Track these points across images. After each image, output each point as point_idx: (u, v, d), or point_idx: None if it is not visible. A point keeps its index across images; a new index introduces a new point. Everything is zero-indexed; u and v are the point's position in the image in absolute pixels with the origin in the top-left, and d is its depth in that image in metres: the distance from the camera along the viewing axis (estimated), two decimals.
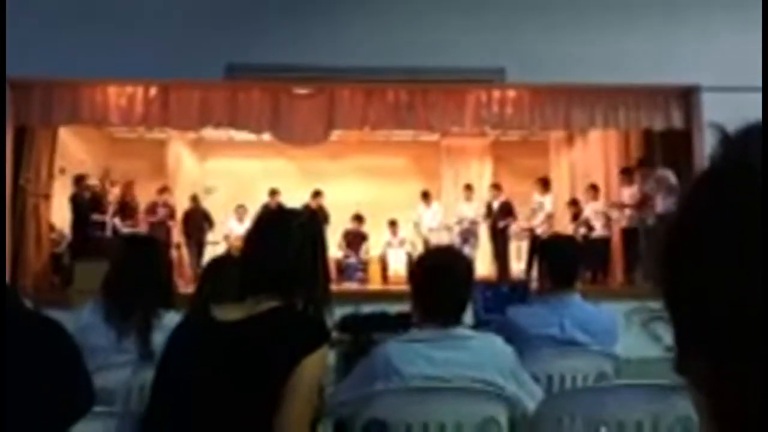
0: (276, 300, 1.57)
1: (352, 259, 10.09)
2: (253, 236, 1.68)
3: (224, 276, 2.13)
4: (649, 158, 8.59)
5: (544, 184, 10.04)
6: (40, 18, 7.24)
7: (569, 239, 3.78)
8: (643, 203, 8.47)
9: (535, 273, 8.36)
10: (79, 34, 7.25)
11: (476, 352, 1.88)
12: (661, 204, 8.10)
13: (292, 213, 1.73)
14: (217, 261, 2.52)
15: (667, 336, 0.55)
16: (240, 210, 10.06)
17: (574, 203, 9.86)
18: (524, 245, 10.27)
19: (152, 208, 9.66)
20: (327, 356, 1.53)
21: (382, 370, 1.86)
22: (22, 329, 0.97)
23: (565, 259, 2.68)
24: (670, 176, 8.03)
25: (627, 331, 2.91)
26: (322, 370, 1.52)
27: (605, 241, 9.10)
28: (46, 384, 0.90)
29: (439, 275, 1.92)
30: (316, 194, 10.21)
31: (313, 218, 1.76)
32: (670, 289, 0.52)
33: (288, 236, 1.61)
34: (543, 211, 9.93)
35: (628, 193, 8.80)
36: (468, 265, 2.03)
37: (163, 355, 1.60)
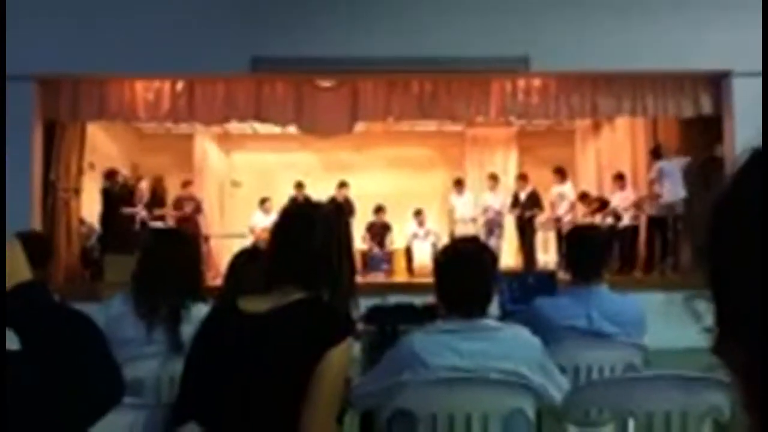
0: (302, 292, 1.58)
1: (377, 251, 10.10)
2: (279, 229, 1.69)
3: (251, 268, 2.15)
4: (679, 145, 8.49)
5: (561, 173, 9.97)
6: (67, 14, 7.33)
7: (594, 229, 3.74)
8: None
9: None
10: (105, 29, 7.34)
11: (503, 343, 1.88)
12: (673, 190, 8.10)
13: (317, 206, 1.75)
14: (243, 253, 2.54)
15: (708, 316, 0.54)
16: (265, 203, 10.12)
17: (584, 197, 9.75)
18: (551, 236, 10.19)
19: (179, 203, 9.76)
20: (353, 348, 1.54)
21: (408, 361, 1.87)
22: (50, 322, 0.98)
23: (590, 250, 2.66)
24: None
25: (656, 322, 2.89)
26: (348, 362, 1.53)
27: (633, 230, 8.99)
28: (76, 376, 0.92)
29: (464, 266, 1.92)
30: (342, 185, 10.22)
31: (339, 211, 1.77)
32: (716, 269, 0.52)
33: (313, 229, 1.62)
34: (566, 201, 9.85)
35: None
36: (492, 255, 2.03)
37: (192, 347, 1.62)
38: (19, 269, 1.05)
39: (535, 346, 1.92)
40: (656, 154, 8.65)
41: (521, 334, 1.93)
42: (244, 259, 2.41)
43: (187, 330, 2.45)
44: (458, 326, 1.90)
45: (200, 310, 2.52)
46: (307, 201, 2.46)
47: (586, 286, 2.59)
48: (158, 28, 7.35)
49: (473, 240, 2.33)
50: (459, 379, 1.82)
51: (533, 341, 1.92)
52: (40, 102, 7.74)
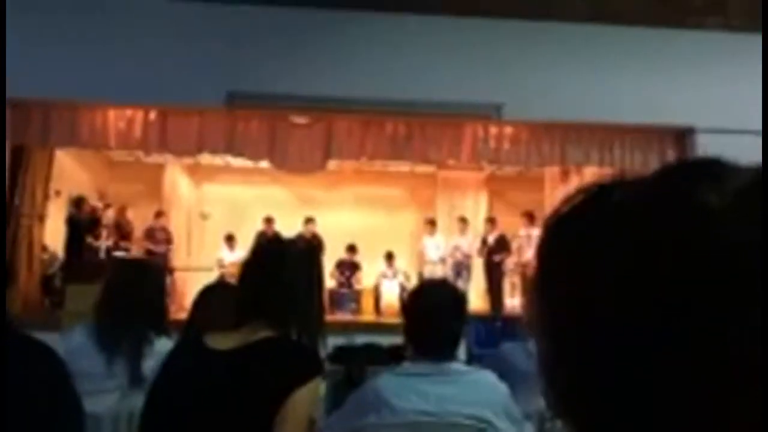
0: (270, 329, 1.56)
1: (345, 290, 10.06)
2: (250, 264, 1.68)
3: (218, 303, 2.12)
4: None
5: (530, 216, 10.11)
6: (41, 38, 7.28)
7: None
8: None
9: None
10: (79, 55, 7.29)
11: (469, 387, 1.87)
12: None
13: (289, 243, 1.74)
14: (209, 288, 2.51)
15: None
16: (231, 239, 10.06)
17: None
18: (518, 280, 10.27)
19: (150, 233, 9.65)
20: (320, 388, 1.53)
21: (374, 403, 1.85)
22: (11, 352, 0.96)
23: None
24: None
25: None
26: (314, 402, 1.51)
27: None
28: (37, 407, 0.90)
29: (432, 309, 1.92)
30: (308, 221, 10.22)
31: (311, 249, 1.76)
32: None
33: (285, 266, 1.61)
34: (533, 245, 9.96)
35: None
36: (461, 299, 2.03)
37: (154, 382, 1.58)
38: None
39: (502, 391, 1.91)
40: None
41: (488, 379, 1.93)
42: (211, 294, 2.38)
43: (149, 364, 2.40)
44: (425, 369, 1.89)
45: (163, 345, 2.47)
46: (279, 238, 2.45)
47: None
48: (134, 57, 7.33)
49: (442, 282, 2.33)
50: (425, 422, 1.81)
51: (500, 387, 1.92)
52: (10, 125, 7.62)
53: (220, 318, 1.75)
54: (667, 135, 8.20)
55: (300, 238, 8.75)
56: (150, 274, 2.73)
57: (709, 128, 7.70)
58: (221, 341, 1.55)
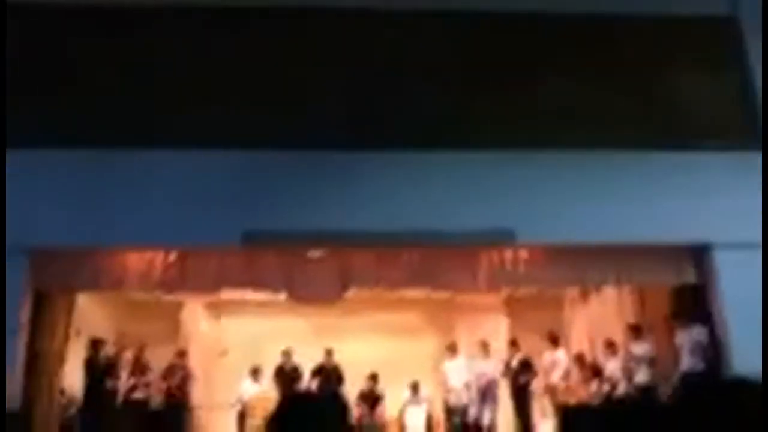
0: None
1: (368, 420, 9.78)
2: (275, 423, 1.66)
3: None
4: (674, 313, 8.51)
5: (553, 339, 9.96)
6: (60, 188, 7.53)
7: (593, 409, 3.67)
8: (655, 361, 8.39)
9: None
10: (98, 202, 7.51)
11: None
12: (687, 361, 7.93)
13: (312, 401, 1.73)
14: None
15: None
16: (256, 372, 9.95)
17: (580, 359, 9.69)
18: (547, 402, 9.96)
19: (171, 371, 9.58)
20: None
21: None
22: None
23: (590, 429, 2.60)
24: (699, 333, 7.96)
25: None
26: None
27: (631, 400, 8.79)
28: None
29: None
30: (329, 353, 10.13)
31: (337, 401, 1.74)
32: None
33: (311, 422, 1.59)
34: (559, 367, 9.75)
35: (641, 348, 8.65)
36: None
37: None
38: None
39: None
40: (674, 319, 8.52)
41: None
42: None
43: None
44: None
45: None
46: (302, 395, 2.40)
47: None
48: (150, 203, 7.54)
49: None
50: None
51: None
52: (31, 274, 7.76)
53: None
54: (683, 252, 8.17)
55: (318, 368, 8.60)
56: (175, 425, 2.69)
57: (728, 243, 7.69)
58: None
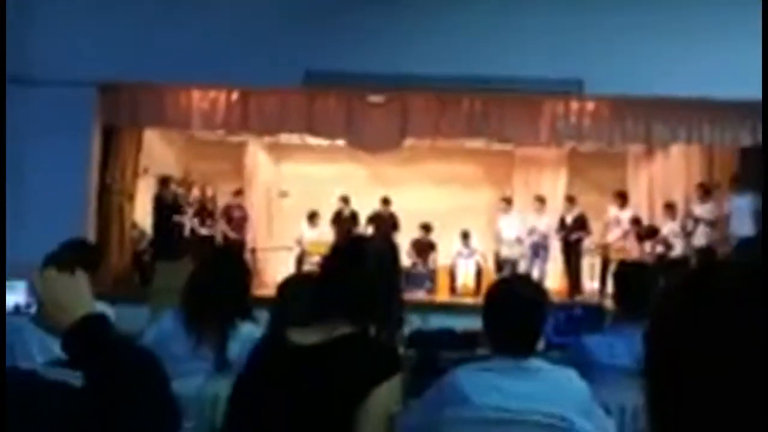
0: (349, 326, 1.59)
1: (420, 268, 10.08)
2: (331, 260, 1.71)
3: (300, 297, 2.17)
4: (739, 176, 8.26)
5: (622, 198, 9.78)
6: (127, 24, 7.54)
7: (643, 266, 3.67)
8: (716, 223, 8.22)
9: (609, 292, 8.14)
10: (164, 39, 7.50)
11: (549, 385, 1.85)
12: (736, 226, 7.79)
13: (368, 240, 1.77)
14: (291, 281, 2.57)
15: None
16: (313, 217, 10.22)
17: (636, 222, 9.55)
18: (597, 262, 10.01)
19: (228, 211, 9.94)
20: (399, 385, 1.54)
21: (452, 397, 1.85)
22: (112, 358, 1.01)
23: (638, 288, 2.62)
24: (750, 200, 7.76)
25: None
26: (394, 399, 1.53)
27: (685, 261, 8.76)
28: (136, 417, 0.95)
29: (515, 305, 1.90)
30: (385, 202, 10.28)
31: (390, 247, 1.78)
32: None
33: (364, 264, 1.64)
34: (619, 227, 9.69)
35: (705, 209, 8.47)
36: (544, 295, 2.01)
37: (241, 375, 1.65)
38: (83, 302, 1.08)
39: (583, 390, 1.89)
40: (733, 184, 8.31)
41: (569, 377, 1.90)
42: (293, 285, 2.44)
43: (234, 348, 2.50)
44: (505, 365, 1.88)
45: (248, 329, 2.57)
46: (359, 237, 2.49)
47: (633, 324, 2.54)
48: (215, 40, 7.50)
49: (524, 278, 2.31)
50: (504, 419, 1.80)
51: (581, 385, 1.89)
52: (100, 108, 7.97)
53: (302, 311, 1.79)
54: (759, 110, 7.74)
55: (375, 216, 8.80)
56: (233, 261, 2.83)
57: None
58: (304, 337, 1.59)
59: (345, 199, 10.40)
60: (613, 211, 9.77)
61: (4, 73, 7.07)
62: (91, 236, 7.50)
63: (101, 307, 2.19)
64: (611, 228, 9.74)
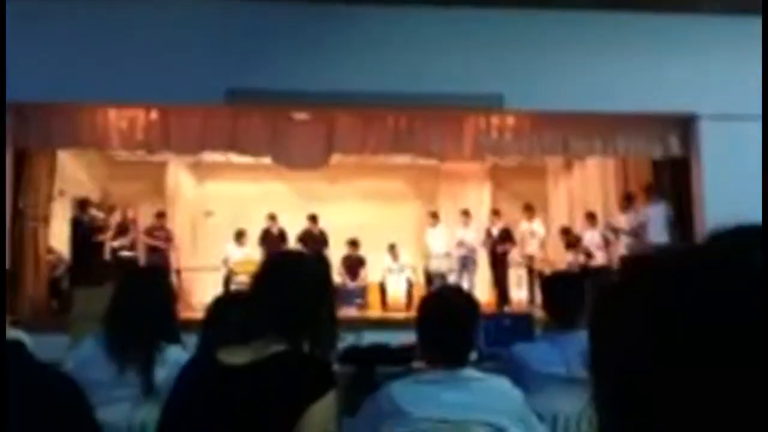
0: (282, 342, 1.55)
1: (351, 285, 10.06)
2: (261, 279, 1.67)
3: (229, 316, 2.11)
4: (654, 186, 8.63)
5: (529, 209, 10.12)
6: (40, 42, 7.26)
7: (572, 276, 3.77)
8: (637, 232, 8.54)
9: (537, 301, 8.32)
10: (78, 57, 7.27)
11: (485, 394, 1.87)
12: (653, 235, 8.13)
13: (300, 256, 1.74)
14: (220, 301, 2.50)
15: None
16: (241, 236, 10.05)
17: (566, 232, 9.90)
18: (524, 272, 10.26)
19: (150, 233, 9.66)
20: (334, 402, 1.52)
21: (389, 411, 1.84)
22: (34, 385, 0.95)
23: (568, 298, 2.68)
24: (664, 209, 8.14)
25: None
26: (329, 416, 1.50)
27: (605, 270, 9.06)
28: None
29: (448, 317, 1.91)
30: (313, 219, 10.23)
31: (321, 262, 1.76)
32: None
33: (296, 280, 1.61)
34: (536, 238, 9.99)
35: (625, 219, 8.82)
36: (476, 306, 2.02)
37: (169, 399, 1.58)
38: None
39: (518, 398, 1.91)
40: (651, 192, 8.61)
41: (503, 385, 1.92)
42: (222, 307, 2.37)
43: (161, 373, 2.40)
44: (440, 376, 1.88)
45: (174, 353, 2.47)
46: (290, 252, 2.45)
47: (563, 332, 2.60)
48: (133, 58, 7.32)
49: (457, 290, 2.33)
50: (440, 430, 1.80)
51: (515, 393, 1.91)
52: (11, 129, 7.60)
53: (231, 331, 1.74)
54: (669, 123, 8.16)
55: (304, 233, 8.71)
56: (158, 282, 2.73)
57: (712, 114, 7.67)
58: (234, 356, 1.54)
59: (272, 217, 10.29)
60: (524, 224, 10.07)
61: (4, 78, 6.65)
62: (5, 262, 7.10)
63: (17, 334, 2.07)
64: (528, 240, 10.02)
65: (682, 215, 8.14)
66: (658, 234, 8.09)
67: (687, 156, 8.17)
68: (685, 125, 8.12)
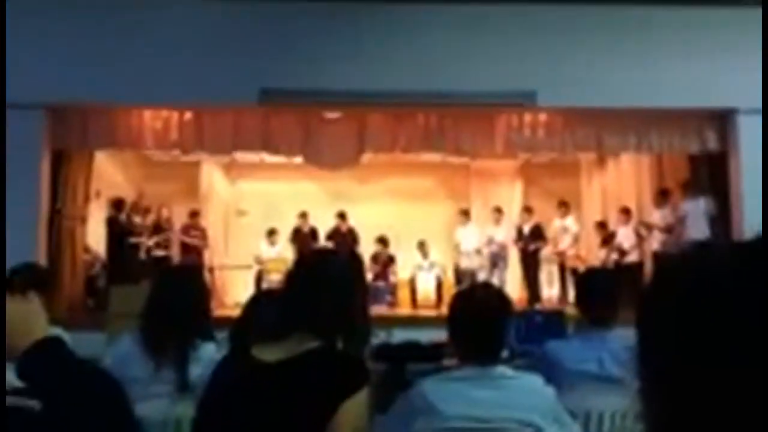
0: (315, 340, 1.57)
1: (381, 282, 10.06)
2: (295, 275, 1.69)
3: (264, 314, 2.14)
4: (690, 182, 8.47)
5: (564, 206, 9.99)
6: (77, 43, 7.40)
7: (605, 272, 3.73)
8: (672, 228, 8.39)
9: (569, 298, 8.22)
10: (115, 59, 7.40)
11: (516, 392, 1.86)
12: (692, 231, 7.98)
13: (334, 253, 1.75)
14: (256, 298, 2.53)
15: None
16: (272, 234, 10.13)
17: (602, 226, 9.78)
18: (555, 269, 10.16)
19: (186, 231, 9.79)
20: (367, 398, 1.53)
21: (422, 408, 1.84)
22: (70, 380, 0.97)
23: (601, 294, 2.66)
24: (703, 204, 7.98)
25: None
26: (363, 413, 1.51)
27: (639, 267, 8.94)
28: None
29: (479, 314, 1.91)
30: (341, 216, 10.25)
31: (354, 259, 1.77)
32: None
33: (330, 276, 1.62)
34: (569, 234, 9.87)
35: (660, 216, 8.68)
36: (508, 302, 2.01)
37: (204, 396, 1.60)
38: (38, 325, 1.04)
39: (549, 395, 1.90)
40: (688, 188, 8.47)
41: (535, 382, 1.91)
42: (257, 304, 2.40)
43: (195, 370, 2.44)
44: (472, 374, 1.88)
45: (209, 350, 2.51)
46: (324, 249, 2.47)
47: (597, 330, 2.57)
48: (167, 59, 7.42)
49: (488, 285, 2.32)
50: (473, 429, 1.80)
51: (547, 390, 1.90)
52: (48, 130, 7.78)
53: (266, 328, 1.76)
54: (706, 117, 8.01)
55: (334, 231, 8.75)
56: (192, 280, 2.77)
57: (751, 109, 7.50)
58: (268, 353, 1.56)
59: (304, 215, 10.35)
60: (557, 221, 9.96)
61: (4, 76, 6.83)
62: (43, 262, 7.28)
63: (56, 331, 2.11)
64: (561, 237, 9.91)
65: (721, 210, 7.99)
66: (698, 229, 7.94)
67: (725, 151, 8.02)
68: (722, 120, 7.97)
